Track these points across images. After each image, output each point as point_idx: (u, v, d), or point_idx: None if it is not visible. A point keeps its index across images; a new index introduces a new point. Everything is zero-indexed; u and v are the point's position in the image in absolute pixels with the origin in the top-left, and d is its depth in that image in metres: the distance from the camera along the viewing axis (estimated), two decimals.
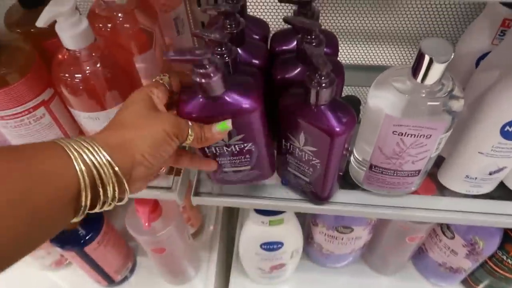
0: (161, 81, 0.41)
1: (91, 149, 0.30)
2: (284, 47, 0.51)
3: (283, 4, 0.69)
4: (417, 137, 0.43)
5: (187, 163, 0.45)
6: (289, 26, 0.45)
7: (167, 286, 0.83)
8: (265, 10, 0.70)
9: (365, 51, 0.73)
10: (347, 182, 0.55)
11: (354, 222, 0.63)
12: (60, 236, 0.67)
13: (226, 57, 0.42)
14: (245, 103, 0.40)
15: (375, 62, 0.74)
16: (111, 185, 0.31)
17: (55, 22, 0.41)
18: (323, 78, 0.39)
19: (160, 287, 0.83)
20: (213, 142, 0.41)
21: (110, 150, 0.31)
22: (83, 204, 0.30)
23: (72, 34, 0.41)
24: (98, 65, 0.43)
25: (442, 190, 0.55)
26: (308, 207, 0.53)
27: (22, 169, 0.27)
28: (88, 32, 0.41)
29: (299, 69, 0.46)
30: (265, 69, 0.50)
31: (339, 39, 0.54)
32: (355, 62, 0.74)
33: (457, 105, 0.41)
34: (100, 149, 0.31)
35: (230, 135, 0.44)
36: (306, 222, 0.72)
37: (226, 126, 0.40)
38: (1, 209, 0.25)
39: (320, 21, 0.69)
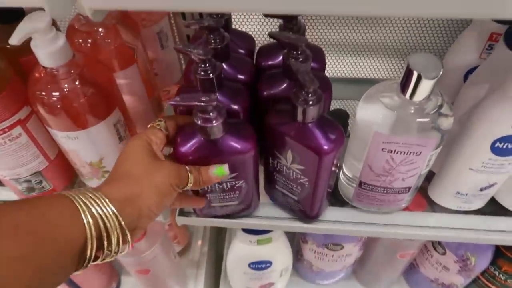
0: (158, 127, 0.40)
1: (99, 202, 0.31)
2: (270, 62, 0.50)
3: (269, 18, 0.68)
4: (407, 154, 0.42)
5: (178, 204, 0.45)
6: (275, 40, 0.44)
7: None
8: (252, 25, 0.70)
9: (354, 64, 0.72)
10: (336, 199, 0.54)
11: (344, 239, 0.62)
12: None
13: (210, 73, 0.41)
14: (242, 146, 0.41)
15: (364, 75, 0.73)
16: (115, 237, 0.31)
17: (31, 38, 0.39)
18: (310, 95, 0.38)
19: None
20: (210, 184, 0.41)
21: (118, 204, 0.32)
22: (88, 255, 0.30)
23: (48, 52, 0.39)
24: (77, 83, 0.42)
25: (433, 206, 0.54)
26: (297, 226, 0.51)
27: (31, 224, 0.28)
28: (65, 49, 0.40)
29: (285, 85, 0.45)
30: (251, 84, 0.48)
31: (327, 52, 0.53)
32: (343, 75, 0.73)
33: (447, 122, 0.40)
34: (108, 202, 0.31)
35: None
36: (296, 239, 0.71)
37: (223, 172, 0.40)
38: (13, 263, 0.26)
39: (307, 34, 0.68)
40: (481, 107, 0.42)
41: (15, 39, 0.36)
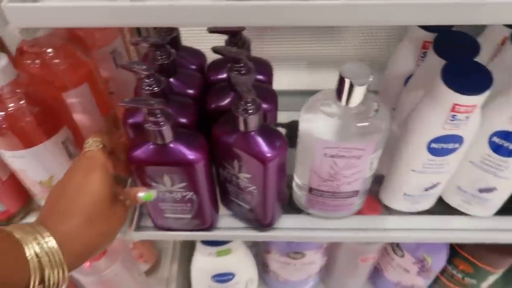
0: (99, 147, 0.39)
1: (42, 238, 0.31)
2: (219, 76, 0.52)
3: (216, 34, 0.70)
4: (348, 158, 0.43)
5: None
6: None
7: None
8: (203, 41, 0.71)
9: (304, 76, 0.74)
10: (292, 207, 0.55)
11: (305, 247, 0.63)
12: None
13: (154, 87, 0.42)
14: (191, 153, 0.42)
15: (315, 87, 0.75)
16: (57, 273, 0.31)
17: None
18: (248, 105, 0.40)
19: None
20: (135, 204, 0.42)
21: (64, 240, 0.32)
22: None
23: None
24: (22, 102, 0.42)
25: (389, 209, 0.55)
26: (251, 235, 0.52)
27: None
28: (8, 68, 0.40)
29: (230, 97, 0.47)
30: (200, 98, 0.50)
31: (278, 65, 0.54)
32: (295, 87, 0.75)
33: (383, 126, 0.42)
34: (52, 239, 0.31)
35: (173, 181, 0.44)
36: (260, 250, 0.71)
37: (149, 198, 0.41)
38: None
39: (262, 48, 0.70)
40: (416, 110, 0.44)
41: None
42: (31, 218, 0.56)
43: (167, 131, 0.40)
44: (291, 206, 0.55)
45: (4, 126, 0.42)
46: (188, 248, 0.94)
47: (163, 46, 0.46)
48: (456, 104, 0.39)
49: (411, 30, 0.50)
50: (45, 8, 0.30)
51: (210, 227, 0.52)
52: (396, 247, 0.64)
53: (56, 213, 0.34)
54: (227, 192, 0.50)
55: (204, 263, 0.60)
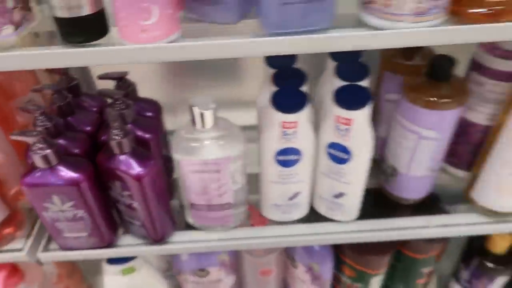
0: None
1: None
2: None
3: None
4: (210, 173, 0.53)
5: None
6: None
7: None
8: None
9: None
10: (187, 224, 0.63)
11: (206, 263, 0.69)
12: None
13: (47, 123, 0.51)
14: (73, 175, 0.50)
15: None
16: None
17: None
18: (118, 132, 0.49)
19: None
20: None
21: None
22: None
23: None
24: None
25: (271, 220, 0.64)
26: (146, 250, 0.59)
27: None
28: None
29: None
30: (96, 134, 0.59)
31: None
32: None
33: (236, 142, 0.52)
34: None
35: (62, 200, 0.51)
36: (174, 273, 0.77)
37: None
38: None
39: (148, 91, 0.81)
40: (261, 129, 0.54)
41: None
42: None
43: (51, 156, 0.48)
44: (186, 224, 0.63)
45: None
46: None
47: (60, 92, 0.56)
48: (283, 122, 0.49)
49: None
50: None
51: (109, 245, 0.59)
52: (291, 259, 0.72)
53: None
54: (120, 211, 0.58)
55: (112, 281, 0.66)
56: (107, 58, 0.39)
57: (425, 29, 0.37)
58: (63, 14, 0.38)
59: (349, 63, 0.55)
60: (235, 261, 0.73)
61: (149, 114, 0.61)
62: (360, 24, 0.40)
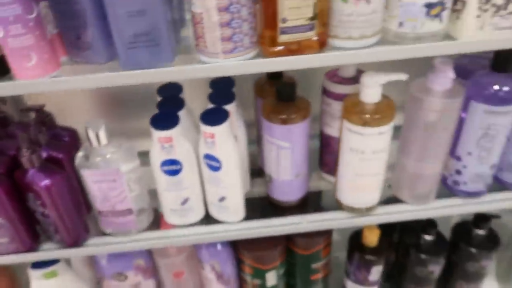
0: None
1: None
2: None
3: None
4: (108, 182, 0.65)
5: None
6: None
7: None
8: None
9: None
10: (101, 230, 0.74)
11: (123, 268, 0.80)
12: None
13: None
14: None
15: None
16: None
17: None
18: (26, 151, 0.61)
19: None
20: None
21: None
22: None
23: None
24: None
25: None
26: (64, 253, 0.70)
27: None
28: None
29: None
30: None
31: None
32: None
33: (127, 156, 0.65)
34: None
35: None
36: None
37: None
38: None
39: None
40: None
41: None
42: None
43: None
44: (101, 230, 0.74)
45: None
46: None
47: None
48: (159, 137, 0.63)
49: None
50: None
51: (30, 249, 0.70)
52: (199, 260, 0.82)
53: None
54: (38, 220, 0.69)
55: (37, 286, 0.75)
56: (6, 91, 0.52)
57: (232, 62, 0.51)
58: None
59: (220, 91, 0.69)
60: (151, 265, 0.83)
61: (66, 138, 0.74)
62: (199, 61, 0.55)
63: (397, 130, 0.68)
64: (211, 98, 0.68)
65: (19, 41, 0.49)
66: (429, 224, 0.80)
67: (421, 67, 0.64)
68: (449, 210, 0.75)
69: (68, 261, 0.85)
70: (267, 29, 0.52)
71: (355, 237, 0.84)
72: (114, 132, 0.64)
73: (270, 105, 0.67)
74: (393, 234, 0.88)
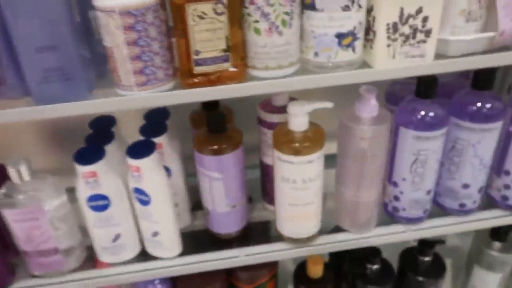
0: None
1: None
2: None
3: None
4: (30, 221, 0.62)
5: None
6: None
7: None
8: None
9: None
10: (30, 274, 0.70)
11: None
12: None
13: None
14: None
15: None
16: None
17: None
18: None
19: None
20: None
21: None
22: None
23: None
24: None
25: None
26: None
27: None
28: None
29: None
30: None
31: None
32: None
33: (48, 193, 0.62)
34: None
35: None
36: None
37: None
38: None
39: None
40: None
41: None
42: None
43: None
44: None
45: None
46: None
47: None
48: (83, 172, 0.61)
49: None
50: None
51: None
52: None
53: None
54: None
55: None
56: None
57: (144, 95, 0.51)
58: None
59: (153, 123, 0.68)
60: None
61: None
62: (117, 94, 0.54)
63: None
64: (142, 130, 0.67)
65: None
66: (373, 253, 0.79)
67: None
68: (390, 238, 0.74)
69: None
70: (182, 61, 0.51)
71: (300, 268, 0.82)
72: (47, 167, 0.62)
73: (200, 136, 0.66)
74: (342, 263, 0.87)
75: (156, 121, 0.69)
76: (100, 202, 0.63)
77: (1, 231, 0.66)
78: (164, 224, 0.67)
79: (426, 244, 0.79)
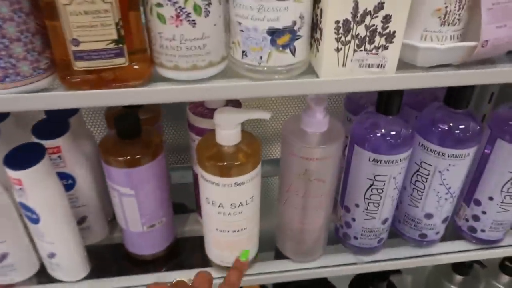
0: None
1: None
2: None
3: None
4: None
5: None
6: None
7: None
8: None
9: None
10: None
11: None
12: None
13: None
14: None
15: None
16: None
17: None
18: None
19: None
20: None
21: None
22: None
23: None
24: None
25: None
26: None
27: None
28: None
29: None
30: None
31: None
32: None
33: None
34: None
35: None
36: None
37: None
38: None
39: None
40: None
41: None
42: None
43: None
44: None
45: None
46: None
47: None
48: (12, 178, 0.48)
49: None
50: None
51: None
52: None
53: None
54: None
55: None
56: None
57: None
58: None
59: (49, 122, 0.55)
60: None
61: None
62: None
63: None
64: (34, 130, 0.53)
65: None
66: (320, 284, 0.69)
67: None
68: (338, 271, 0.63)
69: None
70: (58, 53, 0.38)
71: None
72: None
73: (107, 143, 0.53)
74: None
75: (56, 118, 0.55)
76: (28, 214, 0.51)
77: None
78: (60, 245, 0.55)
79: (379, 275, 0.69)
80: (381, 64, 0.41)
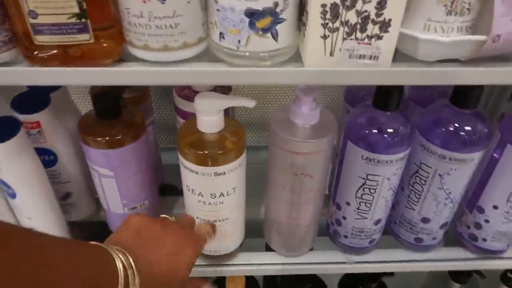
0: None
1: (125, 255, 0.34)
2: None
3: None
4: None
5: None
6: None
7: None
8: None
9: None
10: None
11: None
12: None
13: None
14: None
15: None
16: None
17: None
18: None
19: None
20: None
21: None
22: None
23: None
24: None
25: None
26: None
27: (79, 265, 0.31)
28: None
29: None
30: None
31: None
32: None
33: None
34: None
35: None
36: None
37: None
38: None
39: None
40: None
41: None
42: None
43: None
44: None
45: None
46: None
47: None
48: None
49: None
50: None
51: None
52: None
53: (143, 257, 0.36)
54: None
55: None
56: None
57: None
58: None
59: (30, 95, 0.53)
60: None
61: None
62: None
63: None
64: (13, 104, 0.52)
65: None
66: (309, 280, 0.66)
67: None
68: (326, 268, 0.60)
69: None
70: (16, 25, 0.35)
71: (219, 284, 0.70)
72: None
73: (85, 122, 0.51)
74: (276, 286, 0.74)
75: (37, 92, 0.53)
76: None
77: None
78: (38, 220, 0.54)
79: (369, 276, 0.66)
80: (374, 56, 0.37)
